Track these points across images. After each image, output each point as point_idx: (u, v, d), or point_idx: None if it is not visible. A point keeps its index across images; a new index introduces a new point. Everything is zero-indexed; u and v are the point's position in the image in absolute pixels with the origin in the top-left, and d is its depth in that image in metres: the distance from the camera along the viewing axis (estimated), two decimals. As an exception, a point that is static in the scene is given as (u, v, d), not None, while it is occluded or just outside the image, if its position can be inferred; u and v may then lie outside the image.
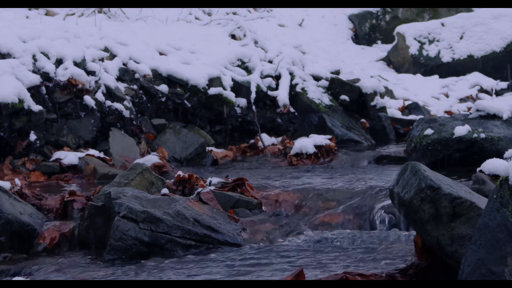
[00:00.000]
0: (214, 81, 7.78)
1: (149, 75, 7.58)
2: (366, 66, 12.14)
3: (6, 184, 4.64)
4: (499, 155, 5.26)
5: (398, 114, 8.91)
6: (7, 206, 4.35)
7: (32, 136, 6.53)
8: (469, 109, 9.42)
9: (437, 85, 11.29)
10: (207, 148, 7.26)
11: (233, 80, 8.00)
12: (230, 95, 7.79)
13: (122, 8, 9.51)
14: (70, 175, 6.30)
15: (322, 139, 7.12)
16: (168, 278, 3.59)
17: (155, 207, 4.20)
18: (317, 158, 6.93)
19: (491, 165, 4.39)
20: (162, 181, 4.99)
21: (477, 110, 6.10)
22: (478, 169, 4.50)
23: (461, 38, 12.32)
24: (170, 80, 7.67)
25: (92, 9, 8.95)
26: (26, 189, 4.97)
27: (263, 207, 4.88)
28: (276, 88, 8.34)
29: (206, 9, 10.32)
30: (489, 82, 11.35)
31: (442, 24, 12.53)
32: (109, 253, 4.01)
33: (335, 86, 8.57)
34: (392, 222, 4.46)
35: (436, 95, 10.81)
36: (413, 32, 12.48)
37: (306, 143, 7.02)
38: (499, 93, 11.20)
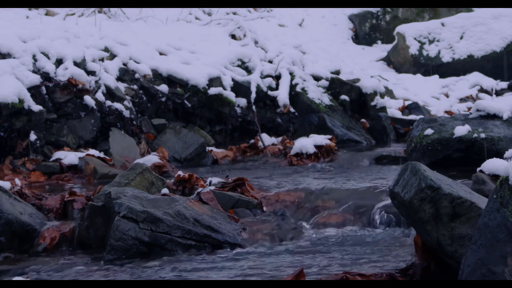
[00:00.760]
0: (214, 81, 7.78)
1: (149, 75, 7.59)
2: (366, 66, 12.15)
3: (6, 184, 4.64)
4: (499, 155, 5.26)
5: (398, 114, 8.91)
6: (7, 206, 4.35)
7: (32, 136, 6.53)
8: (469, 109, 9.43)
9: (437, 85, 11.30)
10: (207, 148, 7.26)
11: (233, 80, 8.00)
12: (230, 95, 7.79)
13: (122, 8, 9.51)
14: (70, 175, 6.29)
15: (322, 139, 7.12)
16: (168, 278, 3.59)
17: (155, 207, 4.20)
18: (317, 158, 6.93)
19: (491, 165, 4.39)
20: (162, 181, 4.99)
21: (477, 110, 6.10)
22: (478, 169, 4.50)
23: (461, 38, 12.32)
24: (170, 80, 7.67)
25: (92, 9, 8.95)
26: (26, 189, 4.97)
27: (263, 207, 4.88)
28: (276, 88, 8.34)
29: (206, 9, 10.32)
30: (489, 82, 11.36)
31: (442, 24, 12.53)
32: (109, 253, 4.01)
33: (335, 86, 8.58)
34: (392, 222, 4.46)
35: (436, 95, 10.82)
36: (413, 32, 12.49)
37: (306, 143, 7.02)
38: (499, 93, 11.21)
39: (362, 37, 13.83)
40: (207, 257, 3.98)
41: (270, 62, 8.66)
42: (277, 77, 8.45)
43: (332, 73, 8.85)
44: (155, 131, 7.37)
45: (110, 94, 7.15)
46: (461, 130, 5.78)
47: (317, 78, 8.65)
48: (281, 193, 5.09)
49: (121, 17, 9.50)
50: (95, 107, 6.96)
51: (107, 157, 6.60)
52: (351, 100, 8.49)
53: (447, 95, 10.91)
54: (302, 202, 4.95)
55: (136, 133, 7.16)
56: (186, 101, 7.61)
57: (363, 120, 8.43)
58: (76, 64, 7.06)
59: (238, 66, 8.33)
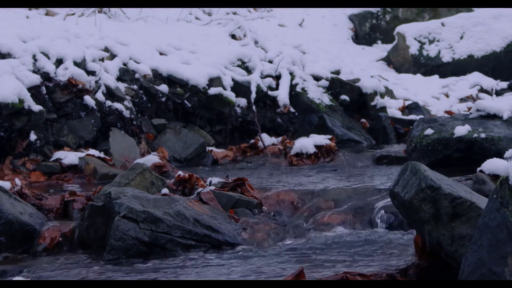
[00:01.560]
0: (214, 81, 7.78)
1: (149, 75, 7.59)
2: (366, 66, 12.14)
3: (6, 184, 4.64)
4: (499, 155, 5.26)
5: (398, 114, 8.91)
6: (7, 206, 4.35)
7: (32, 136, 6.53)
8: (469, 109, 9.42)
9: (437, 85, 11.29)
10: (207, 148, 7.26)
11: (233, 80, 8.00)
12: (230, 95, 7.79)
13: (122, 8, 9.52)
14: (70, 175, 6.30)
15: (322, 139, 7.12)
16: (168, 278, 3.59)
17: (155, 207, 4.20)
18: (317, 158, 6.93)
19: (491, 165, 4.39)
20: (162, 181, 4.99)
21: (477, 110, 6.10)
22: (478, 169, 4.49)
23: (461, 38, 12.32)
24: (170, 80, 7.67)
25: (92, 9, 8.96)
26: (26, 189, 4.97)
27: (263, 207, 4.88)
28: (276, 88, 8.34)
29: (206, 9, 10.33)
30: (489, 82, 11.35)
31: (442, 24, 12.53)
32: (109, 253, 4.01)
33: (335, 86, 8.57)
34: (392, 222, 4.46)
35: (436, 95, 10.81)
36: (413, 32, 12.49)
37: (306, 143, 7.02)
38: (499, 93, 11.20)
39: (362, 37, 13.83)
40: (207, 257, 3.98)
41: (270, 62, 8.66)
42: (277, 77, 8.45)
43: (332, 73, 8.85)
44: (155, 131, 7.37)
45: (110, 94, 7.15)
46: (461, 130, 5.78)
47: (317, 78, 8.65)
48: (281, 193, 5.09)
49: (121, 17, 9.51)
50: (95, 107, 6.96)
51: (107, 157, 6.60)
52: (351, 100, 8.49)
53: (447, 95, 10.91)
54: (302, 202, 4.95)
55: (136, 133, 7.17)
56: (186, 101, 7.61)
57: (363, 120, 8.43)
58: (76, 64, 7.06)
59: (238, 66, 8.33)
